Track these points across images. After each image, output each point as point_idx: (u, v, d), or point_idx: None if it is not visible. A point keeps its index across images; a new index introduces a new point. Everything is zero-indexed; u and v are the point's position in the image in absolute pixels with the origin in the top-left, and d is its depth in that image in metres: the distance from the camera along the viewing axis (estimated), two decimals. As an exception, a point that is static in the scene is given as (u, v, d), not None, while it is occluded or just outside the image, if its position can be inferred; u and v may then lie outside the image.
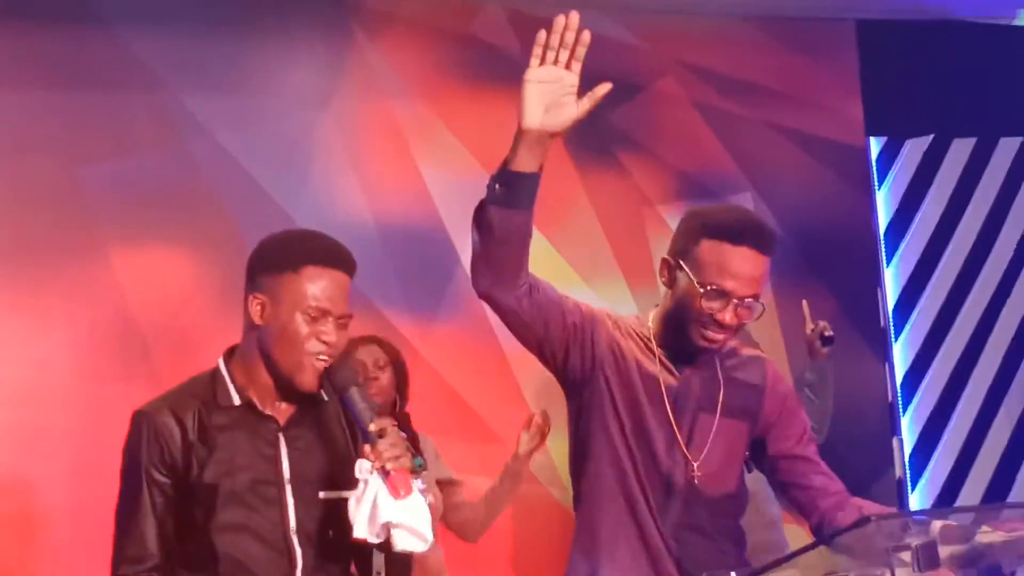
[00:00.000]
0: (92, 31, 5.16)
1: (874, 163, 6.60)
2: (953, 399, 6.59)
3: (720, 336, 3.07)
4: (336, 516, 2.82)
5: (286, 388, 2.87)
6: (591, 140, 6.00)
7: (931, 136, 6.62)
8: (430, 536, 2.78)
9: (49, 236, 4.95)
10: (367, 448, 2.75)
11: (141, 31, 5.24)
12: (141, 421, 2.86)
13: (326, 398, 2.92)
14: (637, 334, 3.18)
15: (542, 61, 2.81)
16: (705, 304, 3.03)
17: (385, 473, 2.72)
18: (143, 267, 5.10)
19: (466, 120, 5.70)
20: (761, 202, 6.28)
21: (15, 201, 4.92)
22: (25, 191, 4.94)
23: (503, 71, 5.80)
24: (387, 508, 2.70)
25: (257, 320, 2.84)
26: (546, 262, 5.72)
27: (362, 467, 2.74)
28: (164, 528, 2.81)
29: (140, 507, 2.81)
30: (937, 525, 2.70)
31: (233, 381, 2.89)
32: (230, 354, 2.93)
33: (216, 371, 2.92)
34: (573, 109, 2.82)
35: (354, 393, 2.82)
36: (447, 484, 4.65)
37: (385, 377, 4.41)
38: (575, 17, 2.81)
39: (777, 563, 2.69)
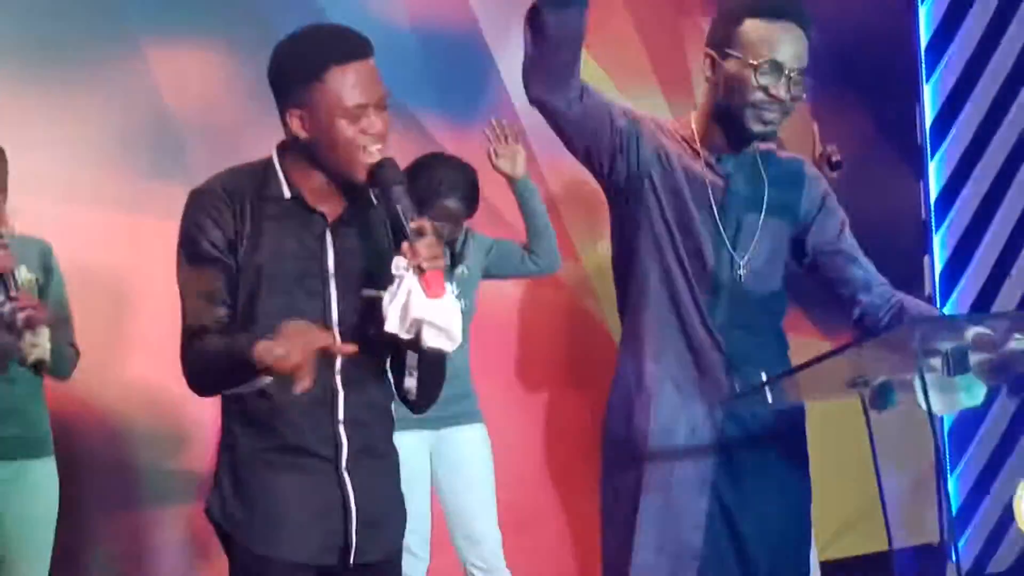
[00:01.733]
0: None
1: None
2: (986, 220, 6.62)
3: (776, 115, 3.10)
4: (375, 314, 2.83)
5: (337, 185, 2.87)
6: None
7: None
8: (459, 336, 2.81)
9: (84, 34, 4.87)
10: (405, 245, 2.76)
11: None
12: (200, 198, 2.88)
13: (375, 202, 2.93)
14: (680, 136, 3.19)
15: None
16: (760, 80, 3.05)
17: (420, 271, 2.74)
18: (178, 65, 5.04)
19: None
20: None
21: (48, 3, 4.82)
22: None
23: None
24: (419, 305, 2.73)
25: (301, 133, 2.84)
26: (582, 70, 5.69)
27: (398, 264, 2.76)
28: (229, 288, 2.84)
29: (202, 269, 2.83)
30: (971, 331, 2.72)
31: (286, 175, 2.89)
32: (283, 148, 2.92)
33: (269, 162, 2.92)
34: None
35: (397, 191, 2.82)
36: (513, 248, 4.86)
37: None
38: None
39: (809, 364, 2.72)
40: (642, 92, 5.75)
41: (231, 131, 5.00)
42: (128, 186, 4.93)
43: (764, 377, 2.95)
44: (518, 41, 5.60)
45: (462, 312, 4.48)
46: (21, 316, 3.83)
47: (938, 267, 6.59)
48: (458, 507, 4.78)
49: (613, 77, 5.79)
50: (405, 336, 2.77)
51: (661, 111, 5.75)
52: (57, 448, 4.30)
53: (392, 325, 2.76)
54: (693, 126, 3.20)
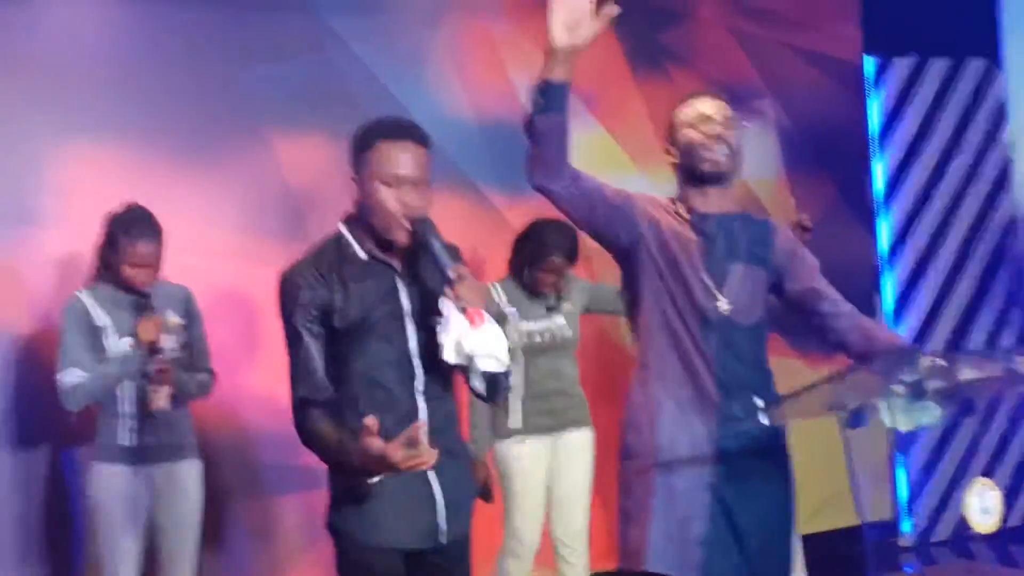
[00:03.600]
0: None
1: (869, 77, 6.48)
2: (925, 266, 6.53)
3: (722, 148, 3.04)
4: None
5: (391, 243, 2.81)
6: (644, 54, 5.92)
7: (914, 56, 6.48)
8: (506, 359, 2.73)
9: (221, 123, 4.89)
10: (448, 289, 2.70)
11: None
12: (291, 277, 2.81)
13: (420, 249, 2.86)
14: (669, 207, 3.12)
15: None
16: (698, 129, 3.02)
17: (463, 309, 2.67)
18: (296, 150, 5.04)
19: (548, 39, 5.53)
20: (778, 106, 6.19)
21: (194, 95, 4.85)
22: (201, 88, 4.87)
23: None
24: (467, 337, 2.66)
25: (356, 195, 2.79)
26: (605, 149, 5.65)
27: (445, 304, 2.70)
28: (324, 358, 2.78)
29: (303, 344, 2.78)
30: (927, 362, 2.62)
31: (356, 240, 2.83)
32: (347, 220, 2.87)
33: (340, 234, 2.86)
34: (590, 27, 2.76)
35: (434, 243, 2.75)
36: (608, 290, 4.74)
37: None
38: None
39: (797, 394, 2.62)
40: (655, 167, 5.67)
41: (336, 201, 4.87)
42: (256, 243, 4.90)
43: (759, 403, 2.85)
44: None
45: (568, 339, 4.51)
46: (152, 376, 3.95)
47: (888, 304, 6.51)
48: (561, 491, 4.62)
49: (631, 156, 5.74)
50: (459, 363, 2.71)
51: (671, 182, 5.67)
52: (201, 450, 4.24)
53: (448, 355, 2.70)
54: (676, 198, 3.14)
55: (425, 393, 2.81)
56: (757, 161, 6.01)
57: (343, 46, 5.16)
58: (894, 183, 6.50)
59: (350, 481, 2.78)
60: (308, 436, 2.77)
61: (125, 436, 4.01)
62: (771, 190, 6.09)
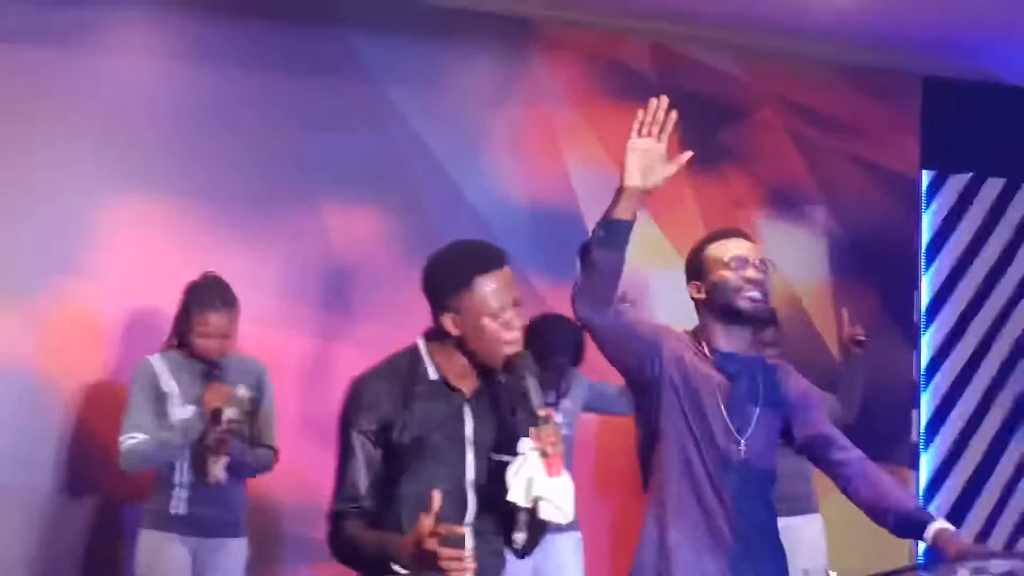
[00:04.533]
0: (321, 28, 5.04)
1: (924, 191, 6.39)
2: (964, 382, 6.41)
3: (757, 293, 2.99)
4: (500, 475, 2.68)
5: (473, 367, 2.73)
6: (701, 153, 5.78)
7: (970, 173, 6.40)
8: (571, 512, 2.64)
9: (277, 189, 4.88)
10: (533, 430, 2.61)
11: (361, 31, 5.11)
12: (359, 386, 2.74)
13: (503, 380, 2.78)
14: (689, 341, 3.07)
15: (640, 133, 2.78)
16: (735, 271, 2.98)
17: (544, 454, 2.58)
18: (346, 220, 5.00)
19: (608, 129, 5.50)
20: (831, 215, 6.13)
21: (253, 162, 4.84)
22: (261, 155, 4.86)
23: (642, 91, 5.66)
24: (541, 484, 2.57)
25: (453, 331, 2.69)
26: (657, 247, 5.57)
27: (525, 444, 2.60)
28: (373, 475, 2.69)
29: (354, 457, 2.69)
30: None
31: (432, 360, 2.75)
32: (428, 337, 2.79)
33: (416, 350, 2.77)
34: (662, 171, 2.79)
35: (530, 380, 2.69)
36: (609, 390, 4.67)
37: None
38: (664, 100, 2.81)
39: None
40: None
41: (383, 270, 4.95)
42: (295, 311, 4.87)
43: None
44: None
45: (565, 437, 4.36)
46: (211, 445, 3.90)
47: (924, 419, 6.41)
48: None
49: (681, 254, 5.57)
50: (524, 506, 2.61)
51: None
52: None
53: (516, 496, 2.60)
54: (697, 335, 3.09)
55: (474, 527, 2.72)
56: (804, 266, 5.93)
57: (403, 121, 5.14)
58: (939, 299, 6.42)
59: None
60: (339, 547, 2.68)
61: (178, 505, 3.97)
62: (814, 295, 6.01)
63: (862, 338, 4.86)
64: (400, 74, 5.16)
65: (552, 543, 4.44)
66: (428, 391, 2.72)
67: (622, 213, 2.80)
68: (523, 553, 2.77)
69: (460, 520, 2.69)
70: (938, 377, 6.41)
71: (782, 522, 4.54)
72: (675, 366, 3.00)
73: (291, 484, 4.71)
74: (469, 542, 2.69)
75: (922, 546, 6.16)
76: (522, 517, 2.67)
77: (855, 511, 3.08)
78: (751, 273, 2.98)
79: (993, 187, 6.43)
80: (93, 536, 4.44)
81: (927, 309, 6.41)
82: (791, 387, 3.12)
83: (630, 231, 2.81)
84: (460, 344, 2.72)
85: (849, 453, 3.06)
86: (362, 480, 2.67)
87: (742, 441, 2.99)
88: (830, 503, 3.29)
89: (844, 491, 3.05)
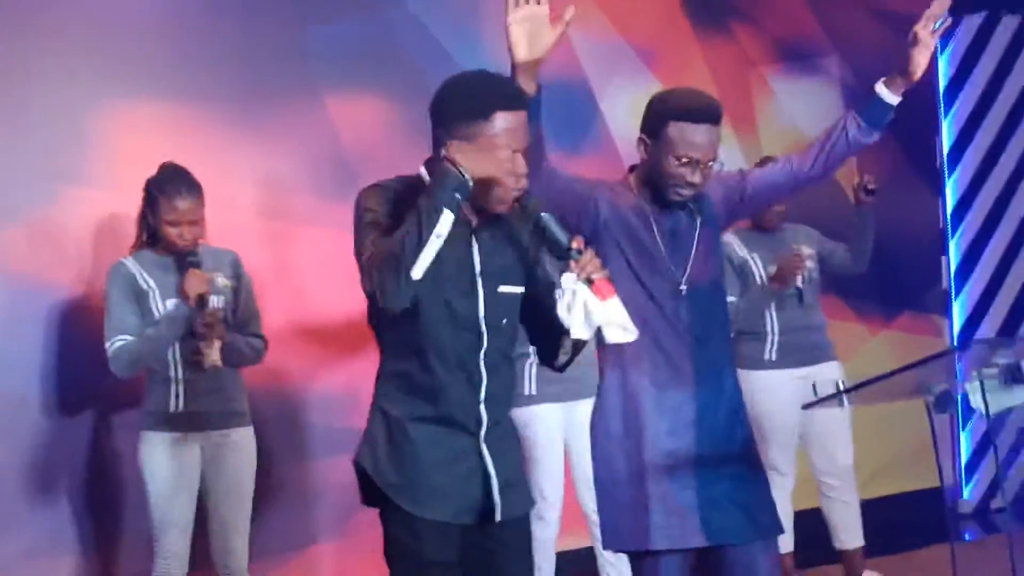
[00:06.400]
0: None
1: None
2: (992, 229, 6.29)
3: (690, 192, 3.00)
4: (510, 306, 2.62)
5: (481, 205, 2.60)
6: (708, 12, 5.69)
7: (984, 12, 6.22)
8: (634, 329, 2.57)
9: (277, 82, 4.72)
10: (571, 263, 2.52)
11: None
12: (373, 186, 2.63)
13: (523, 214, 2.65)
14: (628, 190, 3.08)
15: (516, 3, 2.69)
16: (677, 171, 2.95)
17: (589, 282, 2.50)
18: (351, 111, 4.87)
19: (607, -6, 5.39)
20: (845, 64, 5.97)
21: (250, 55, 4.68)
22: (257, 48, 4.70)
23: None
24: (597, 311, 2.50)
25: (448, 153, 2.51)
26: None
27: (567, 279, 2.52)
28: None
29: (377, 230, 2.55)
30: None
31: None
32: (429, 163, 2.62)
33: (420, 177, 2.62)
34: (550, 35, 2.71)
35: (548, 218, 2.56)
36: None
37: None
38: None
39: (873, 381, 2.45)
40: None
41: (391, 161, 4.63)
42: (307, 204, 4.77)
43: (842, 386, 2.69)
44: (616, 86, 5.42)
45: None
46: (202, 331, 3.80)
47: (953, 266, 6.30)
48: (585, 463, 4.49)
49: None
50: (588, 338, 2.56)
51: (731, 147, 5.54)
52: (254, 414, 4.10)
53: (578, 332, 2.53)
54: (633, 182, 3.10)
55: (487, 360, 2.62)
56: (819, 119, 5.72)
57: (398, 4, 4.98)
58: (961, 143, 6.25)
59: (395, 436, 2.61)
60: (384, 249, 2.47)
61: (174, 403, 3.88)
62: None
63: (872, 186, 4.73)
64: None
65: (580, 405, 4.37)
66: None
67: (525, 89, 2.70)
68: (564, 368, 2.75)
69: (476, 354, 2.61)
70: (965, 222, 6.28)
71: (803, 371, 4.58)
72: (611, 212, 3.03)
73: (312, 374, 4.66)
74: (483, 377, 2.63)
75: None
76: (566, 345, 2.64)
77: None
78: (694, 178, 2.97)
79: (1009, 25, 6.23)
80: (100, 443, 4.36)
81: (949, 154, 6.28)
82: (716, 193, 3.12)
83: (539, 104, 2.75)
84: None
85: (779, 162, 3.13)
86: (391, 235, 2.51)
87: (687, 268, 3.02)
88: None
89: (807, 176, 3.06)
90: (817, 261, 4.69)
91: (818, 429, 4.66)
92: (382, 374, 2.68)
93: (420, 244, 2.43)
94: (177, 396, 3.87)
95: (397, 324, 2.56)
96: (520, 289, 2.65)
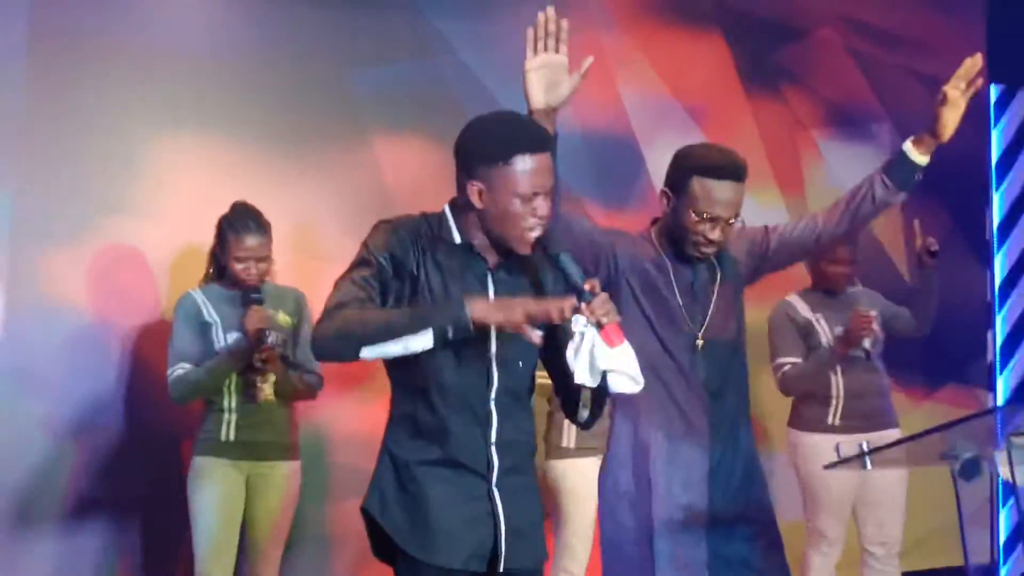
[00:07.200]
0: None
1: (992, 105, 6.16)
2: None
3: (710, 250, 2.97)
4: (526, 348, 2.55)
5: (494, 245, 2.58)
6: (759, 74, 5.67)
7: (1040, 86, 6.15)
8: (641, 378, 2.48)
9: (323, 124, 4.75)
10: (583, 305, 2.44)
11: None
12: (383, 224, 2.63)
13: (542, 255, 2.63)
14: (648, 242, 3.07)
15: (535, 51, 2.69)
16: (698, 226, 2.92)
17: (599, 326, 2.43)
18: (396, 152, 4.88)
19: (659, 52, 5.39)
20: (896, 133, 5.88)
21: (298, 96, 4.72)
22: (305, 89, 4.74)
23: (694, 13, 5.52)
24: (604, 357, 2.42)
25: (476, 203, 2.53)
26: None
27: (578, 321, 2.44)
28: (381, 284, 2.53)
29: (363, 269, 2.53)
30: None
31: (457, 225, 2.60)
32: (454, 204, 2.63)
33: (443, 215, 2.63)
34: (568, 84, 2.71)
35: (566, 257, 2.51)
36: None
37: None
38: (551, 10, 2.72)
39: (897, 443, 2.37)
40: (762, 189, 5.40)
41: (435, 206, 4.72)
42: (348, 246, 4.62)
43: (865, 447, 2.61)
44: (663, 142, 5.39)
45: None
46: (258, 365, 3.91)
47: (999, 340, 6.19)
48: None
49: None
50: (592, 385, 2.47)
51: (778, 206, 5.49)
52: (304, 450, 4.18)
53: (582, 377, 2.45)
54: (654, 236, 3.09)
55: (497, 401, 2.57)
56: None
57: (449, 50, 5.01)
58: (1012, 216, 6.16)
59: (403, 479, 2.56)
60: (342, 321, 2.45)
61: (226, 431, 3.98)
62: (883, 216, 5.76)
63: (935, 248, 4.66)
64: (446, 2, 5.02)
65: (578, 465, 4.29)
66: (450, 253, 2.58)
67: None
68: (588, 425, 2.65)
69: (485, 395, 2.56)
70: (1013, 296, 6.17)
71: (865, 436, 4.48)
72: (630, 262, 3.00)
73: (347, 413, 4.63)
74: (494, 419, 2.57)
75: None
76: (586, 393, 2.55)
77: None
78: (714, 234, 2.94)
79: (1066, 99, 6.16)
80: (155, 469, 4.39)
81: (999, 227, 6.19)
82: (740, 248, 3.10)
83: (554, 152, 2.66)
84: (481, 218, 2.56)
85: (803, 219, 3.12)
86: (371, 286, 2.51)
87: (704, 323, 2.99)
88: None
89: (831, 234, 3.05)
90: (881, 324, 4.60)
91: (875, 497, 4.53)
92: (391, 416, 2.64)
93: (386, 338, 2.41)
94: (229, 425, 3.97)
95: (402, 362, 2.52)
96: (537, 332, 2.57)
